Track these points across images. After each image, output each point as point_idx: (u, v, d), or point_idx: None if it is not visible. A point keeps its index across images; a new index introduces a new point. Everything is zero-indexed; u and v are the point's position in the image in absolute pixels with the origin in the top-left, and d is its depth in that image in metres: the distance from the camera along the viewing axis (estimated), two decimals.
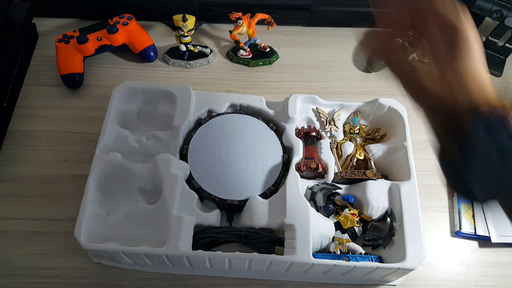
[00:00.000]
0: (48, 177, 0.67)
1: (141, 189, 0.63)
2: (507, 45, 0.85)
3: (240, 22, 0.79)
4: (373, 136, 0.70)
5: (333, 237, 0.60)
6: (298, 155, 0.63)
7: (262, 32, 0.83)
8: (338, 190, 0.63)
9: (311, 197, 0.62)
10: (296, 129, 0.67)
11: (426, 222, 0.58)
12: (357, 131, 0.69)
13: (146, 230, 0.59)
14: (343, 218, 0.60)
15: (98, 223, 0.57)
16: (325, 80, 0.83)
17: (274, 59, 0.85)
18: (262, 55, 0.84)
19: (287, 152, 0.66)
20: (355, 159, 0.67)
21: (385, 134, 0.70)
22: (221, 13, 0.86)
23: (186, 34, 0.80)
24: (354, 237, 0.60)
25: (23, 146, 0.70)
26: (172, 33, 0.81)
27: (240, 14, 0.79)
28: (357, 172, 0.63)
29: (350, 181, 0.64)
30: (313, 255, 0.54)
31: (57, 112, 0.74)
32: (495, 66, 0.86)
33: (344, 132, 0.70)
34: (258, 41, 0.84)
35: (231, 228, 0.58)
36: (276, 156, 0.65)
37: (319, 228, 0.57)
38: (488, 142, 0.31)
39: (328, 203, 0.61)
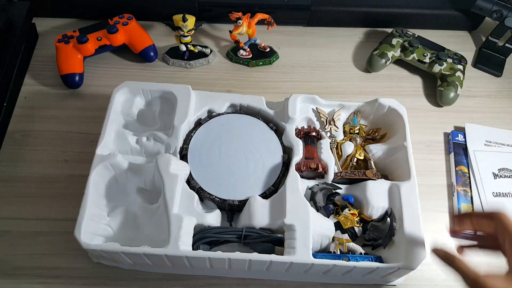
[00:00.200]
0: (48, 177, 0.67)
1: (141, 189, 0.63)
2: (507, 45, 0.85)
3: (240, 22, 0.79)
4: (373, 136, 0.70)
5: (333, 237, 0.60)
6: (298, 155, 0.63)
7: (262, 32, 0.83)
8: (338, 190, 0.63)
9: (311, 197, 0.62)
10: (296, 129, 0.67)
11: (426, 222, 0.58)
12: (357, 131, 0.69)
13: (146, 230, 0.59)
14: (343, 218, 0.60)
15: (98, 223, 0.57)
16: (325, 80, 0.83)
17: (274, 59, 0.85)
18: (262, 55, 0.84)
19: (287, 152, 0.66)
20: (355, 159, 0.67)
21: (385, 134, 0.70)
22: (221, 13, 0.86)
23: (186, 34, 0.80)
24: (354, 237, 0.60)
25: (23, 146, 0.70)
26: (172, 33, 0.81)
27: (240, 14, 0.79)
28: (357, 172, 0.63)
29: (350, 181, 0.64)
30: (313, 255, 0.54)
31: (57, 112, 0.75)
32: (495, 66, 0.85)
33: (344, 132, 0.70)
34: (258, 41, 0.84)
35: (231, 228, 0.58)
36: (276, 156, 0.65)
37: (319, 228, 0.57)
38: None
39: (328, 203, 0.61)
